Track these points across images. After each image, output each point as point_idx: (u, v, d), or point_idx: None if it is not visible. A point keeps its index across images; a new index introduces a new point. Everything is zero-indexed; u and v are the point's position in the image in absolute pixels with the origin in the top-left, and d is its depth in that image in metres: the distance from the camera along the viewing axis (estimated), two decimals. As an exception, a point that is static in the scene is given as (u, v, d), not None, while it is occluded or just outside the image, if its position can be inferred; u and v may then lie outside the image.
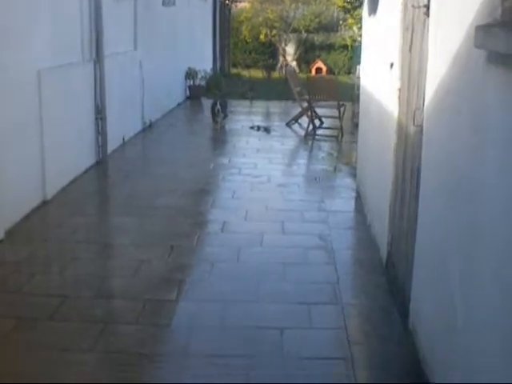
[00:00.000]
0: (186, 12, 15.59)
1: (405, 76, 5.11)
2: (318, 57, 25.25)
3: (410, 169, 4.73)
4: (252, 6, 26.43)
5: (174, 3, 12.55)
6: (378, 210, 6.26)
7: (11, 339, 4.38)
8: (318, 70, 23.82)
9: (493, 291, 2.84)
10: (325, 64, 24.17)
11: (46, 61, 7.28)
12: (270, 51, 26.23)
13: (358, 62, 13.47)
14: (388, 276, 5.49)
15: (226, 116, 12.61)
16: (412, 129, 4.65)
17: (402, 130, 5.16)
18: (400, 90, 5.25)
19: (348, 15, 23.96)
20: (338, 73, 24.49)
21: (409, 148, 4.83)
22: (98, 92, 8.99)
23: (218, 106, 12.29)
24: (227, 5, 24.65)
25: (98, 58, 8.92)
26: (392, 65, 5.59)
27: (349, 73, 24.34)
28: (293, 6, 25.63)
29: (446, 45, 3.74)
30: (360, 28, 20.54)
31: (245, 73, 23.98)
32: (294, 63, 24.81)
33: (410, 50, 4.89)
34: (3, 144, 6.12)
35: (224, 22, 23.87)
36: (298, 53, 25.66)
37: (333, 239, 6.39)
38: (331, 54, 25.96)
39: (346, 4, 22.42)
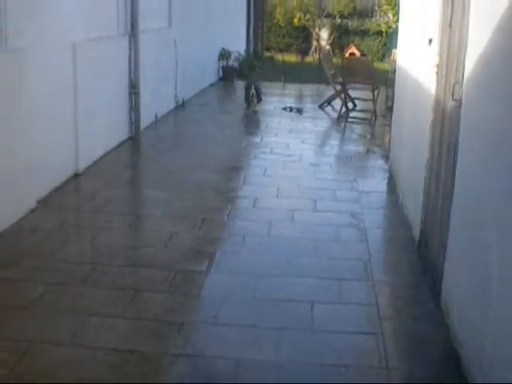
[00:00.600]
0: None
1: (444, 51, 5.01)
2: (352, 42, 24.98)
3: (447, 144, 4.65)
4: (287, -12, 26.29)
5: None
6: (411, 189, 6.19)
7: (41, 303, 4.40)
8: (352, 55, 23.56)
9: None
10: (359, 50, 23.91)
11: (81, 33, 7.28)
12: (304, 36, 25.96)
13: (394, 47, 13.40)
14: (420, 255, 5.42)
15: (260, 100, 12.37)
16: (450, 103, 4.57)
17: (439, 106, 5.07)
18: (438, 65, 5.16)
19: (383, 0, 23.78)
20: (372, 59, 24.21)
21: (446, 123, 4.75)
22: (132, 67, 9.00)
23: (253, 90, 12.06)
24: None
25: (132, 33, 8.91)
26: (431, 41, 5.49)
27: (382, 59, 24.07)
28: (328, -12, 25.44)
29: (489, 16, 3.66)
30: (395, 14, 20.34)
31: (278, 57, 23.82)
32: (327, 47, 24.55)
33: (450, 24, 4.80)
34: (37, 115, 6.13)
35: (258, 5, 23.74)
36: (331, 38, 25.38)
37: (365, 218, 6.33)
38: (365, 40, 25.62)
39: (381, -12, 22.27)
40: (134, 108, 9.07)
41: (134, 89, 9.02)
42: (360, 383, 3.73)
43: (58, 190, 6.69)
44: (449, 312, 4.25)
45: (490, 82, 3.70)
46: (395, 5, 20.16)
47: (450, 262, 4.35)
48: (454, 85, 4.43)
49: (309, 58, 23.57)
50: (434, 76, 5.24)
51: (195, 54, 12.98)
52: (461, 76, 4.32)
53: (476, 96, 3.97)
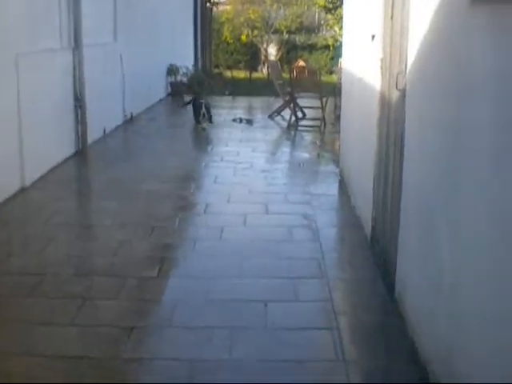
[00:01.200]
0: (167, 9, 15.45)
1: (387, 44, 5.04)
2: (300, 56, 25.13)
3: (394, 136, 4.65)
4: (233, 7, 26.26)
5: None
6: (361, 190, 6.19)
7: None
8: (300, 68, 23.70)
9: (479, 251, 2.78)
10: (307, 64, 24.07)
11: (24, 45, 7.14)
12: (252, 52, 26.02)
13: (340, 59, 13.53)
14: (373, 251, 5.41)
15: (211, 121, 11.71)
16: (395, 94, 4.58)
17: (384, 100, 5.09)
18: (382, 59, 5.19)
19: (329, 15, 23.96)
20: (319, 69, 24.36)
21: (392, 116, 4.76)
22: (76, 80, 8.86)
23: (204, 110, 11.43)
24: (208, 5, 24.51)
25: (76, 45, 8.79)
26: (373, 37, 5.53)
27: (331, 73, 24.25)
28: (274, 6, 25.51)
29: (427, 3, 3.68)
30: (341, 28, 20.55)
31: (227, 74, 23.85)
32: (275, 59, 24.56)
33: (392, 16, 4.83)
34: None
35: (205, 22, 23.75)
36: (279, 53, 25.52)
37: (317, 219, 6.31)
38: (313, 55, 25.82)
39: (327, 3, 22.42)
40: (80, 121, 8.92)
41: (78, 102, 8.87)
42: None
43: (4, 204, 6.51)
44: (403, 302, 4.23)
45: (431, 69, 3.71)
46: (341, 18, 20.39)
47: (402, 253, 4.34)
48: (397, 75, 4.44)
49: (258, 74, 23.62)
50: (379, 71, 5.27)
51: (142, 68, 12.88)
52: (404, 66, 4.34)
53: (418, 84, 3.98)
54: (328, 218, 6.56)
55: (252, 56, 26.29)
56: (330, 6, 22.54)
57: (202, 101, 11.63)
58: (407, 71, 4.26)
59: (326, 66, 25.67)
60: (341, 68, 11.90)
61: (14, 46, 6.90)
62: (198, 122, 11.53)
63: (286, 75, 16.77)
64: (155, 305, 4.54)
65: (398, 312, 4.29)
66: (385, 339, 4.10)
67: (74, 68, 8.83)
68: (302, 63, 24.04)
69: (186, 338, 4.04)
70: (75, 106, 8.90)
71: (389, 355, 3.90)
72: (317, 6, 24.58)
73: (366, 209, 5.84)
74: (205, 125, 11.41)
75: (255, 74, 23.33)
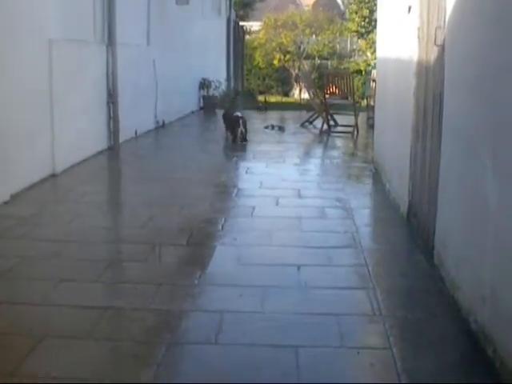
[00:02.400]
0: (199, 26, 15.48)
1: (424, 11, 4.91)
2: (332, 82, 25.03)
3: (432, 96, 4.50)
4: (265, 31, 26.37)
5: (187, 2, 12.48)
6: (397, 171, 6.02)
7: (13, 274, 4.15)
8: (333, 94, 23.56)
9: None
10: (339, 88, 23.93)
11: (57, 32, 7.14)
12: (284, 77, 25.99)
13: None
14: (409, 227, 5.23)
15: (245, 139, 10.01)
16: (433, 52, 4.44)
17: (422, 67, 4.96)
18: (420, 28, 5.06)
19: (362, 40, 23.87)
20: (352, 77, 24.17)
21: (430, 78, 4.62)
22: (110, 76, 8.86)
23: (242, 128, 9.85)
24: (241, 28, 24.62)
25: (110, 42, 8.80)
26: (410, 8, 5.41)
27: (363, 98, 24.10)
28: (307, 31, 25.55)
29: None
30: (373, 52, 20.45)
31: (260, 98, 23.78)
32: (306, 68, 24.36)
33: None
34: (10, 109, 5.95)
35: (237, 46, 23.83)
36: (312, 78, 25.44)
37: (351, 202, 6.14)
38: (345, 80, 25.64)
39: (359, 28, 22.39)
40: (112, 117, 8.89)
41: (111, 98, 8.86)
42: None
43: (33, 186, 6.46)
44: (443, 264, 4.04)
45: (470, 20, 3.59)
46: (373, 43, 20.28)
47: (442, 216, 4.17)
48: (436, 29, 4.31)
49: (290, 99, 23.52)
50: (416, 41, 5.14)
51: (175, 78, 12.89)
52: (442, 21, 4.21)
53: (457, 37, 3.86)
54: (362, 201, 6.41)
55: (284, 81, 26.26)
56: (363, 30, 22.51)
57: (239, 114, 10.27)
58: (446, 25, 4.14)
59: (358, 90, 25.50)
60: (374, 79, 11.84)
61: (47, 30, 6.91)
62: (233, 139, 9.99)
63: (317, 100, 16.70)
64: (183, 267, 4.40)
65: (437, 276, 4.10)
66: (423, 298, 3.91)
67: (108, 64, 8.83)
68: (334, 88, 24.03)
69: (216, 295, 3.90)
70: (108, 102, 8.88)
71: (428, 310, 3.72)
72: (349, 30, 24.44)
73: (402, 188, 5.66)
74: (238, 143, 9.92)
75: (287, 99, 23.23)
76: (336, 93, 12.10)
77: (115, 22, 8.86)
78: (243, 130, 9.82)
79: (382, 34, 8.09)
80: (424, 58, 4.89)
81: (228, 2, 20.50)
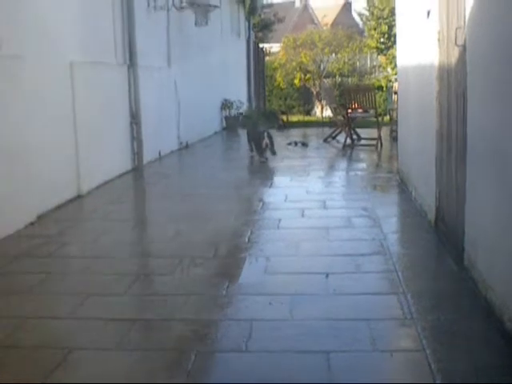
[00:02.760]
0: (219, 48, 15.58)
1: (443, 12, 4.88)
2: (354, 96, 24.95)
3: (456, 97, 4.46)
4: (285, 52, 26.44)
5: (206, 23, 12.58)
6: (423, 179, 5.97)
7: (40, 289, 4.16)
8: (354, 110, 23.50)
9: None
10: (361, 106, 23.87)
11: (78, 54, 7.23)
12: (305, 97, 25.96)
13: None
14: (437, 233, 5.16)
15: (274, 152, 9.80)
16: (455, 53, 4.41)
17: (443, 70, 4.92)
18: (439, 31, 5.03)
19: (381, 56, 23.82)
20: (374, 90, 24.08)
21: (452, 80, 4.58)
22: (132, 97, 8.94)
23: (267, 140, 9.64)
24: (261, 49, 24.73)
25: (131, 63, 8.89)
26: (429, 12, 5.39)
27: (385, 114, 24.02)
28: (326, 50, 25.55)
29: None
30: (393, 68, 20.39)
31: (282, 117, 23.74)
32: (328, 82, 24.27)
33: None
34: (35, 131, 6.01)
35: (258, 67, 23.94)
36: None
37: (377, 211, 6.08)
38: (366, 97, 25.54)
39: (379, 45, 22.36)
40: (136, 138, 8.95)
41: (134, 119, 8.93)
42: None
43: (59, 207, 6.49)
44: (474, 265, 3.96)
45: (490, 19, 3.56)
46: (393, 58, 20.24)
47: (471, 218, 4.10)
48: (456, 30, 4.27)
49: (312, 118, 23.45)
50: (436, 44, 5.11)
51: (197, 99, 12.95)
52: (462, 21, 4.18)
53: (478, 36, 3.82)
54: (388, 210, 6.35)
55: (305, 100, 26.23)
56: (382, 46, 22.46)
57: (264, 129, 10.10)
58: (466, 25, 4.10)
59: (379, 107, 25.38)
60: (395, 90, 11.81)
61: (69, 53, 6.99)
62: (260, 154, 9.78)
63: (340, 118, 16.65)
64: (210, 278, 4.37)
65: (467, 278, 4.02)
66: (455, 300, 3.84)
67: (130, 85, 8.91)
68: (355, 105, 23.98)
69: (245, 304, 3.87)
70: (131, 123, 8.95)
71: (460, 312, 3.66)
72: (368, 47, 24.39)
73: (428, 195, 5.60)
74: (265, 157, 9.75)
75: (309, 118, 23.17)
76: (358, 107, 12.04)
77: (135, 43, 8.96)
78: (268, 142, 9.59)
79: (401, 43, 8.06)
80: (445, 61, 4.85)
81: (247, 24, 20.65)
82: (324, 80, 24.46)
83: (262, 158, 9.69)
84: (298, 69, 25.53)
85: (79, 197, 7.04)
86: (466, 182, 4.18)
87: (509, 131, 3.26)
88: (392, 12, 18.51)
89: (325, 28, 32.74)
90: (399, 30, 8.32)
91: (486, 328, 3.40)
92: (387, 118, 15.71)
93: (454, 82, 4.53)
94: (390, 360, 3.13)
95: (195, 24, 12.43)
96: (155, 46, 10.46)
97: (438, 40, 5.06)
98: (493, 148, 3.58)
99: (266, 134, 9.71)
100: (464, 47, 4.16)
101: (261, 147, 9.69)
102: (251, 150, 10.21)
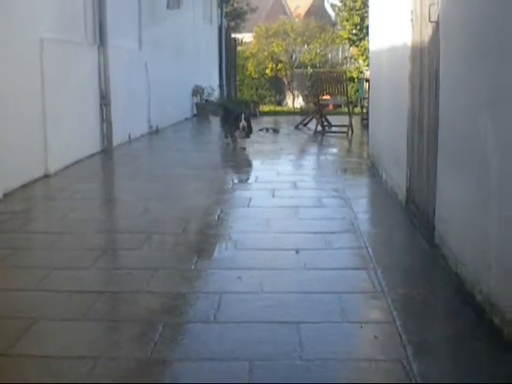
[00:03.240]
0: (191, 35, 15.43)
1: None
2: (325, 83, 24.93)
3: (428, 77, 4.44)
4: (257, 41, 26.33)
5: (178, 6, 12.45)
6: (394, 160, 5.96)
7: (5, 263, 4.06)
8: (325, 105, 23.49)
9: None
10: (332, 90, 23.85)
11: (49, 31, 7.07)
12: (277, 87, 25.87)
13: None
14: (408, 212, 5.15)
15: (248, 135, 9.27)
16: (428, 30, 4.39)
17: (416, 49, 4.90)
18: (413, 10, 5.00)
19: (353, 47, 23.84)
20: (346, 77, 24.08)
21: (425, 58, 4.56)
22: (102, 78, 8.80)
23: (243, 122, 9.04)
24: (233, 38, 24.56)
25: (101, 43, 8.74)
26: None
27: (356, 106, 24.04)
28: (298, 40, 25.48)
29: None
30: (365, 59, 20.42)
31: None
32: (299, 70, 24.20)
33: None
34: (1, 108, 5.88)
35: (230, 55, 23.78)
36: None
37: (347, 192, 6.05)
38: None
39: (351, 36, 22.36)
40: (105, 120, 8.82)
41: (104, 100, 8.79)
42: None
43: (27, 186, 6.36)
44: (445, 242, 3.95)
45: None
46: (365, 49, 20.26)
47: (442, 193, 4.09)
48: (429, 7, 4.25)
49: (283, 108, 23.39)
50: (410, 24, 5.09)
51: (168, 84, 12.82)
52: (437, -3, 4.16)
53: (451, 12, 3.81)
54: (359, 192, 6.34)
55: (277, 91, 26.12)
56: (354, 38, 22.47)
57: (242, 111, 9.68)
58: (439, 1, 4.08)
59: (351, 97, 25.39)
60: (367, 78, 11.82)
61: (38, 30, 6.84)
62: (231, 135, 9.37)
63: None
64: (179, 254, 4.31)
65: (438, 255, 4.02)
66: (425, 275, 3.84)
67: (100, 66, 8.77)
68: (326, 96, 23.97)
69: (214, 278, 3.82)
70: (100, 105, 8.81)
71: (430, 286, 3.65)
72: (340, 38, 24.37)
73: (399, 176, 5.60)
74: (239, 140, 9.24)
75: (281, 108, 23.10)
76: (330, 94, 12.03)
77: (106, 23, 8.82)
78: (245, 125, 9.02)
79: (374, 27, 8.05)
80: (418, 40, 4.83)
81: (219, 11, 20.51)
82: (296, 71, 24.41)
83: (236, 142, 9.29)
84: (269, 58, 25.43)
85: (46, 176, 6.91)
86: (438, 158, 4.17)
87: (481, 101, 3.25)
88: (364, 3, 18.55)
89: (297, 20, 32.62)
90: (372, 12, 8.30)
91: (456, 301, 3.40)
92: (358, 109, 15.77)
93: (426, 62, 4.51)
94: (361, 331, 3.11)
95: (167, 7, 12.33)
96: (126, 27, 10.31)
97: (412, 20, 5.04)
98: (465, 122, 3.57)
99: (243, 115, 9.19)
100: (437, 24, 4.14)
101: (235, 130, 9.17)
102: (226, 137, 9.70)
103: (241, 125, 8.99)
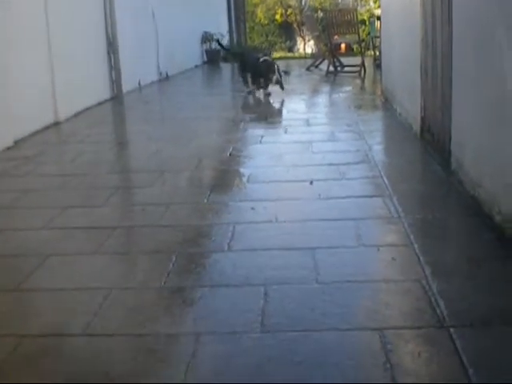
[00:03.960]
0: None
1: None
2: (336, 33, 24.50)
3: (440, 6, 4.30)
4: (266, -14, 25.86)
5: None
6: (407, 91, 5.84)
7: (17, 204, 4.03)
8: (337, 46, 23.11)
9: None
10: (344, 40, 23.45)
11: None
12: (288, 33, 25.49)
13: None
14: (423, 142, 5.06)
15: (282, 86, 8.36)
16: None
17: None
18: None
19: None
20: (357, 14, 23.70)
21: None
22: (108, 25, 8.64)
23: (277, 75, 8.18)
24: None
25: (106, -12, 8.58)
26: None
27: (368, 48, 23.64)
28: (307, -17, 25.01)
29: None
30: (376, 1, 19.99)
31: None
32: (309, 12, 23.88)
33: None
34: (9, 54, 5.79)
35: (239, 3, 23.31)
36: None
37: (361, 126, 5.96)
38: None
39: (361, -24, 21.91)
40: (114, 67, 8.69)
41: (111, 47, 8.66)
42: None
43: (37, 133, 6.31)
44: (462, 167, 3.87)
45: None
46: (376, -8, 19.83)
47: (458, 117, 3.99)
48: None
49: (294, 55, 23.08)
50: None
51: (176, 29, 12.60)
52: None
53: None
54: (373, 125, 6.24)
55: (287, 37, 25.74)
56: (366, -21, 22.05)
57: (267, 58, 8.69)
58: None
59: (363, 41, 24.98)
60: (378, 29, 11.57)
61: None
62: (256, 83, 8.38)
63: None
64: (191, 189, 4.27)
65: (455, 181, 3.94)
66: (442, 200, 3.77)
67: (105, 11, 8.60)
68: (338, 39, 23.57)
69: (227, 210, 3.78)
70: (108, 52, 8.67)
71: (448, 210, 3.59)
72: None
73: (414, 107, 5.48)
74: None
75: (292, 55, 22.81)
76: (341, 33, 11.81)
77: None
78: (279, 78, 8.12)
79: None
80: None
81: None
82: (306, 12, 24.00)
83: (265, 89, 8.29)
84: (279, 4, 25.06)
85: (57, 123, 6.85)
86: (452, 81, 4.06)
87: (495, 14, 3.12)
88: None
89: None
90: None
91: (475, 224, 3.33)
92: (370, 52, 15.48)
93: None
94: (378, 254, 3.05)
95: None
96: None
97: None
98: (479, 37, 3.45)
99: (276, 67, 8.18)
100: None
101: (268, 81, 8.17)
102: (246, 85, 8.62)
103: (274, 78, 8.12)
